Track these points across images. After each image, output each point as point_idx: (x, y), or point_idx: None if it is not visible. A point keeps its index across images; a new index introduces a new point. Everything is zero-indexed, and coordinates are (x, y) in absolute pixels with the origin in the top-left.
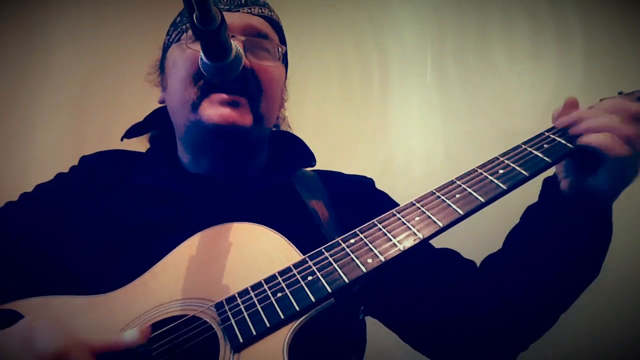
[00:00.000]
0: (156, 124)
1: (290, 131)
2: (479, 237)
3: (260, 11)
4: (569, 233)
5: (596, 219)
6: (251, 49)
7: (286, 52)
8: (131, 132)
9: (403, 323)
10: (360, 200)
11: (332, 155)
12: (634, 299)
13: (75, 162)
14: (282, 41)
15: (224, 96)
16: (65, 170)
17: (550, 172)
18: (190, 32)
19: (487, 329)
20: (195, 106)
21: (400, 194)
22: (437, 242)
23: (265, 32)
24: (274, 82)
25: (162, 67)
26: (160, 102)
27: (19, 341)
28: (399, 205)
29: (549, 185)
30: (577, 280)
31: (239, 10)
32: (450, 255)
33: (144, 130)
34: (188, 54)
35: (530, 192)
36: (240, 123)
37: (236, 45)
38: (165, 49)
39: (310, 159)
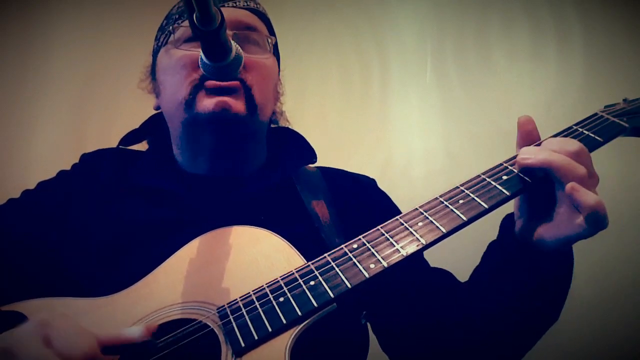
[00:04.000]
0: (152, 130)
1: (290, 126)
2: (479, 245)
3: (245, 4)
4: (520, 277)
5: (554, 265)
6: (240, 43)
7: (276, 42)
8: (127, 140)
9: (385, 331)
10: (362, 200)
11: (332, 155)
12: (634, 299)
13: (76, 159)
14: (271, 32)
15: (217, 82)
16: (66, 166)
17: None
18: (177, 33)
19: (462, 350)
20: (189, 104)
21: (400, 194)
22: (438, 247)
23: (253, 24)
24: (267, 75)
25: (153, 73)
26: (156, 109)
27: (36, 340)
28: (398, 207)
29: (506, 224)
30: (533, 323)
31: (224, 5)
32: (442, 274)
33: (140, 137)
34: (176, 57)
35: None
36: (235, 110)
37: (236, 45)
38: (155, 54)
39: (310, 155)
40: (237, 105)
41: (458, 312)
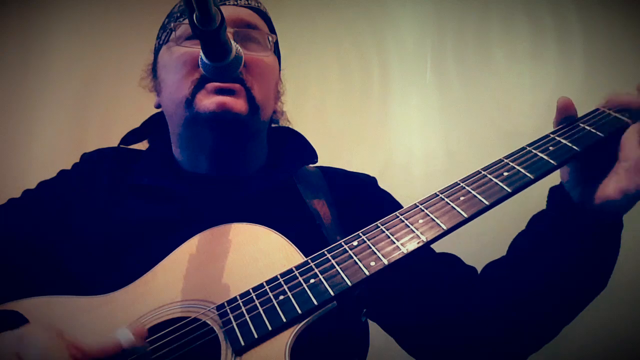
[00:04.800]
0: (153, 129)
1: (290, 126)
2: (481, 241)
3: (246, 2)
4: (575, 244)
5: (605, 231)
6: (241, 41)
7: (277, 41)
8: (128, 139)
9: (401, 327)
10: (363, 199)
11: (332, 155)
12: (634, 299)
13: (76, 159)
14: (272, 30)
15: (218, 84)
16: (66, 166)
17: (555, 180)
18: (179, 31)
19: (485, 337)
20: (189, 102)
21: (400, 194)
22: (439, 246)
23: (254, 23)
24: (267, 73)
25: (154, 71)
26: (157, 107)
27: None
28: (400, 205)
29: (556, 194)
30: (581, 293)
31: (225, 4)
32: (451, 260)
33: (141, 137)
34: (177, 54)
35: (535, 194)
36: (235, 110)
37: (236, 45)
38: (156, 52)
39: (311, 156)
40: (238, 105)
41: (475, 295)
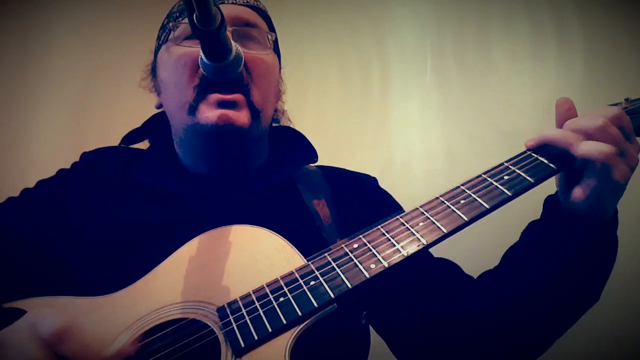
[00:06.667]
0: (155, 129)
1: (291, 125)
2: (481, 247)
3: (245, 0)
4: (566, 256)
5: (596, 243)
6: (240, 39)
7: (276, 39)
8: (129, 139)
9: (399, 329)
10: (363, 199)
11: (332, 155)
12: (634, 299)
13: (76, 159)
14: (271, 29)
15: (220, 96)
16: (66, 166)
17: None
18: (178, 31)
19: (479, 346)
20: (192, 109)
21: (400, 194)
22: (439, 252)
23: (253, 21)
24: (267, 72)
25: (154, 71)
26: (157, 107)
27: (27, 338)
28: (400, 206)
29: (550, 204)
30: (573, 305)
31: (223, 2)
32: (450, 266)
33: (142, 136)
34: (176, 54)
35: (536, 199)
36: (238, 124)
37: (236, 44)
38: (156, 52)
39: (311, 155)
40: (241, 118)
41: (470, 305)
